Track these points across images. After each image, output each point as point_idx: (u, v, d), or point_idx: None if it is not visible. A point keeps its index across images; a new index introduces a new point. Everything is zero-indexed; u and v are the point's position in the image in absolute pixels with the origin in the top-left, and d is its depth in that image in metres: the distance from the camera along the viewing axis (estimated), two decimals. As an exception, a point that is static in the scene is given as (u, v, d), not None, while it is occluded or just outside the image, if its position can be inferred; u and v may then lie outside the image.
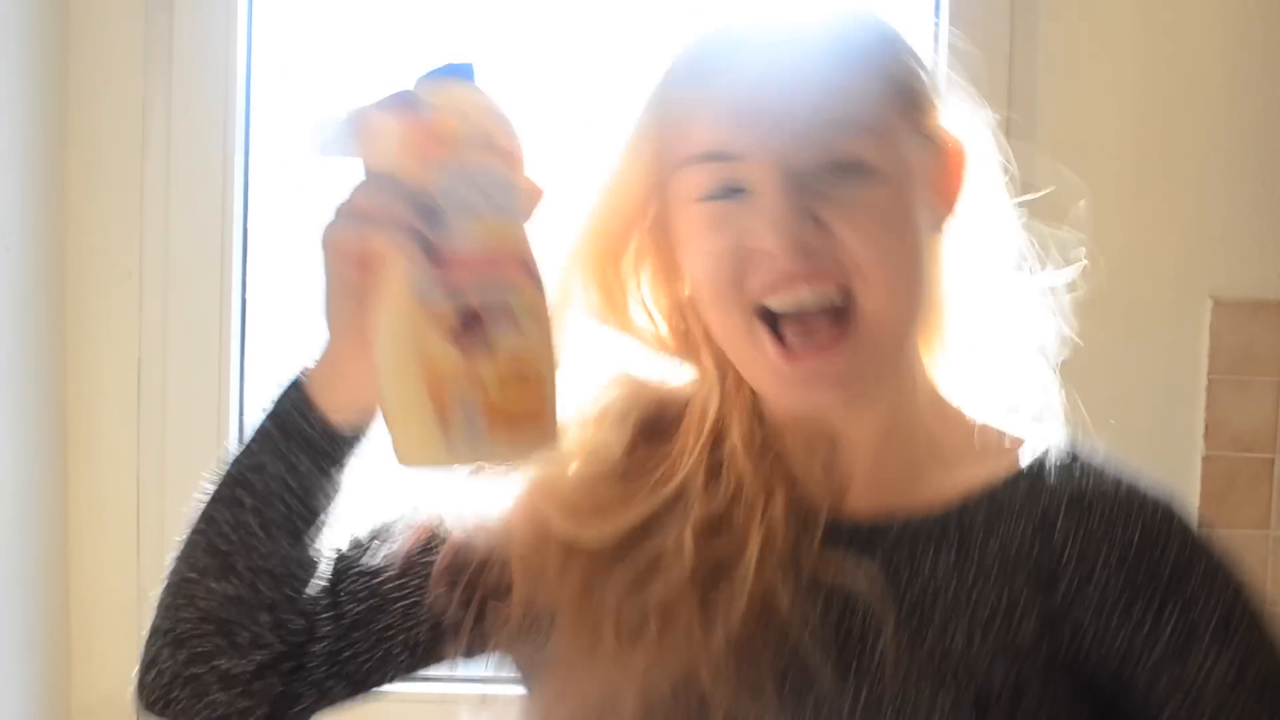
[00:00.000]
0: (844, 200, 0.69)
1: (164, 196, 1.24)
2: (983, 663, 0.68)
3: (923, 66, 0.73)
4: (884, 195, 0.70)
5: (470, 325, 0.63)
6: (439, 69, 0.66)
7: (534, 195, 0.67)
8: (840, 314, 0.70)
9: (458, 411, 0.63)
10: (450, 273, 0.63)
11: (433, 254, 0.63)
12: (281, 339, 1.29)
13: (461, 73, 0.66)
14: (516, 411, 0.64)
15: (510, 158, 0.66)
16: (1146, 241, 1.25)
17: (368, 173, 0.65)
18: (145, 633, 0.73)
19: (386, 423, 0.64)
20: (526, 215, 0.66)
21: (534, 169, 0.67)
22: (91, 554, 1.26)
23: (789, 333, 0.70)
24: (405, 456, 0.64)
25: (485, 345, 0.63)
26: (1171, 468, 1.31)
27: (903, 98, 0.72)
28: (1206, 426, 1.27)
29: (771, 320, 0.71)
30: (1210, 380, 1.27)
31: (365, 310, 0.64)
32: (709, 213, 0.70)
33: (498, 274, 0.64)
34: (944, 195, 0.74)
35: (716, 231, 0.70)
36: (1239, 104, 1.25)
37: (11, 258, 1.15)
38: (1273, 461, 1.28)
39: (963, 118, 0.74)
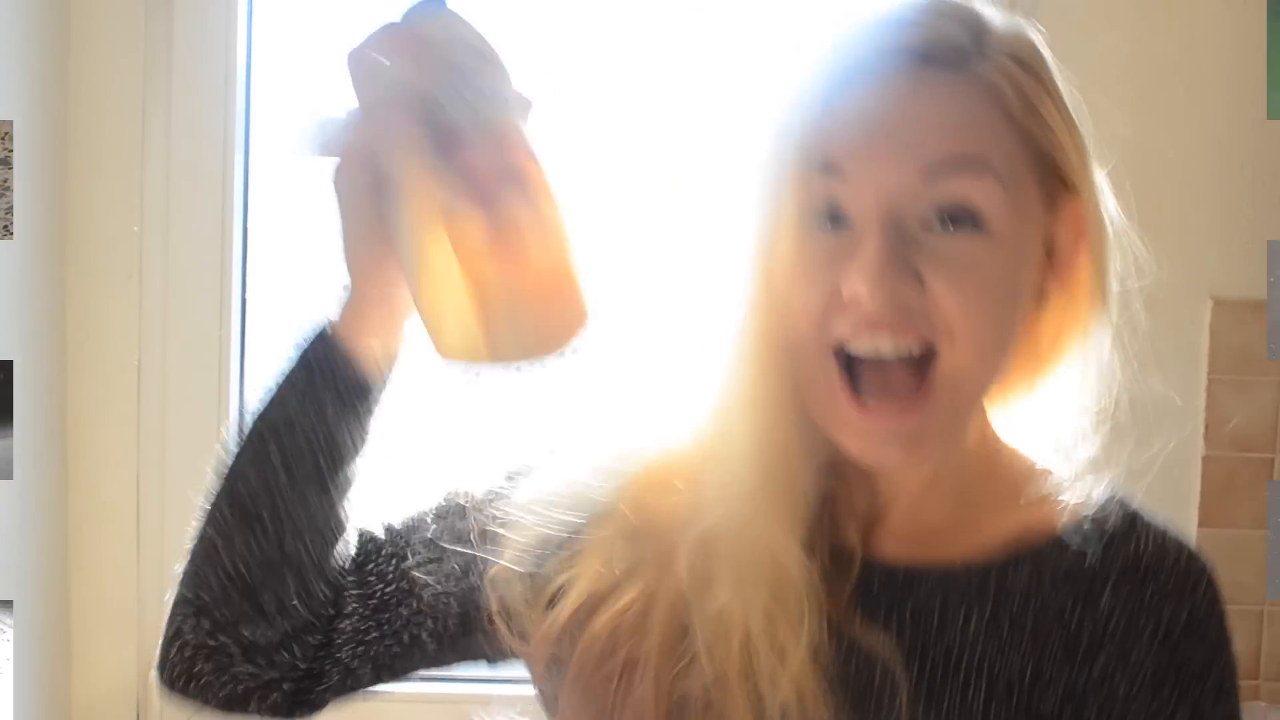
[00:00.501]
0: (948, 256, 0.64)
1: (164, 196, 1.24)
2: None
3: (1071, 132, 0.68)
4: (992, 256, 0.65)
5: (498, 226, 0.63)
6: (413, 7, 0.66)
7: (525, 103, 0.66)
8: (919, 366, 0.67)
9: (501, 312, 0.63)
10: (469, 177, 0.63)
11: (445, 158, 0.63)
12: (282, 339, 1.29)
13: (435, 5, 0.67)
14: (554, 309, 0.64)
15: (497, 66, 0.66)
16: (1146, 241, 1.25)
17: (365, 107, 0.65)
18: (168, 606, 0.71)
19: (427, 326, 0.64)
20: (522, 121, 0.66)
21: (519, 80, 0.67)
22: (91, 554, 1.26)
23: (866, 382, 0.66)
24: (449, 352, 0.64)
25: (518, 245, 0.63)
26: (1171, 468, 1.30)
27: (1039, 158, 0.67)
28: (1206, 426, 1.27)
29: (845, 360, 0.67)
30: (1210, 380, 1.27)
31: (385, 243, 0.64)
32: (806, 246, 0.66)
33: (514, 173, 0.64)
34: (1057, 269, 0.70)
35: (811, 270, 0.66)
36: (1239, 103, 1.25)
37: (12, 258, 1.15)
38: (1273, 461, 1.28)
39: (1096, 191, 0.70)
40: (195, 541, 0.71)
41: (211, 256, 1.26)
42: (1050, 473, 0.72)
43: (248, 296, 1.29)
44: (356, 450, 0.69)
